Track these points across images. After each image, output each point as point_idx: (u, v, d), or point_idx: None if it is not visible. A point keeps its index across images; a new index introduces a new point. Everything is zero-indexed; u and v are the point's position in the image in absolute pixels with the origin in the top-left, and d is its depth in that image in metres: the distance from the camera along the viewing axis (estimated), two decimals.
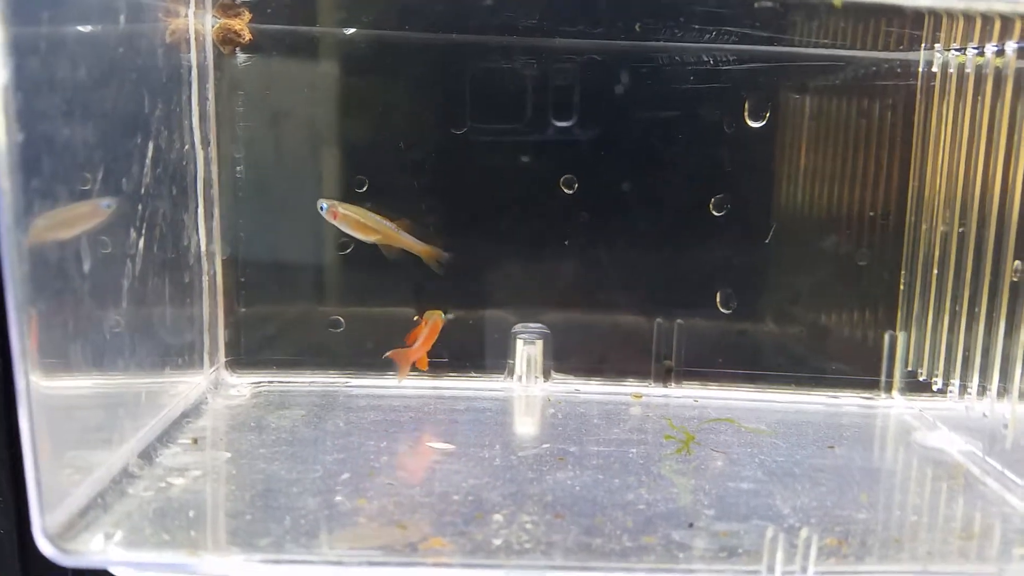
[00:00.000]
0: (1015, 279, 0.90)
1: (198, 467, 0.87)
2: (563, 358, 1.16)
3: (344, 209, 1.09)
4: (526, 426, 1.04)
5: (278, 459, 0.89)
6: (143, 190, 0.90)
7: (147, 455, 0.87)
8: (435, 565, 0.70)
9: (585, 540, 0.75)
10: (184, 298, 1.01)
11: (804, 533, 0.71)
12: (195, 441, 0.92)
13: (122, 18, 0.85)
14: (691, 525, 0.77)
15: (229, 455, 0.91)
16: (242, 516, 0.78)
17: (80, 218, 0.77)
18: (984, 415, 0.95)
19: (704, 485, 0.87)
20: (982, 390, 0.95)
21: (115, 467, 0.82)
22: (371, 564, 0.70)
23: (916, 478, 0.93)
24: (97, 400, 0.82)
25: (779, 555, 0.71)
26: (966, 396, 0.99)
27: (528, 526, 0.76)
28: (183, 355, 1.01)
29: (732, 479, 0.88)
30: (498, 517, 0.78)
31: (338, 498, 0.81)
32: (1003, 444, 0.92)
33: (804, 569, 0.70)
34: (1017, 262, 0.90)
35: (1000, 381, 0.93)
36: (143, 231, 0.89)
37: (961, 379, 1.00)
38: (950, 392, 1.02)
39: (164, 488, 0.82)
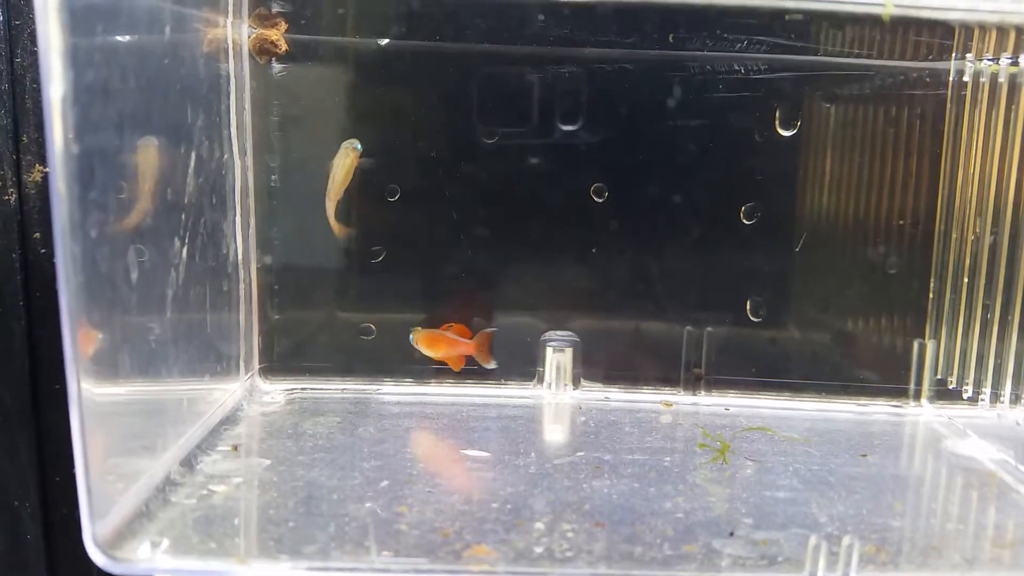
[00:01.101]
0: None
1: (238, 474, 0.88)
2: (592, 366, 1.17)
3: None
4: (558, 434, 1.04)
5: (317, 466, 0.90)
6: (186, 199, 0.91)
7: (188, 462, 0.88)
8: (480, 573, 0.71)
9: (627, 548, 0.75)
10: (224, 306, 1.02)
11: (846, 541, 0.71)
12: (235, 448, 0.93)
13: (167, 29, 0.87)
14: (732, 533, 0.78)
15: (268, 462, 0.92)
16: (286, 523, 0.79)
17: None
18: (1017, 423, 0.96)
19: (741, 494, 0.88)
20: (1016, 398, 0.96)
21: (158, 475, 0.83)
22: (417, 572, 0.71)
23: (948, 486, 0.94)
24: (141, 408, 0.84)
25: (821, 562, 0.71)
26: (998, 404, 0.99)
27: (569, 534, 0.77)
28: (221, 362, 1.02)
29: (768, 488, 0.89)
30: (539, 525, 0.78)
31: (379, 505, 0.81)
32: None
33: None
34: None
35: None
36: (186, 240, 0.90)
37: (993, 387, 1.00)
38: (981, 400, 1.02)
39: (206, 496, 0.83)
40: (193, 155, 0.93)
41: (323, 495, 0.84)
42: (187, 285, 0.90)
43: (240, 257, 1.06)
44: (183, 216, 0.90)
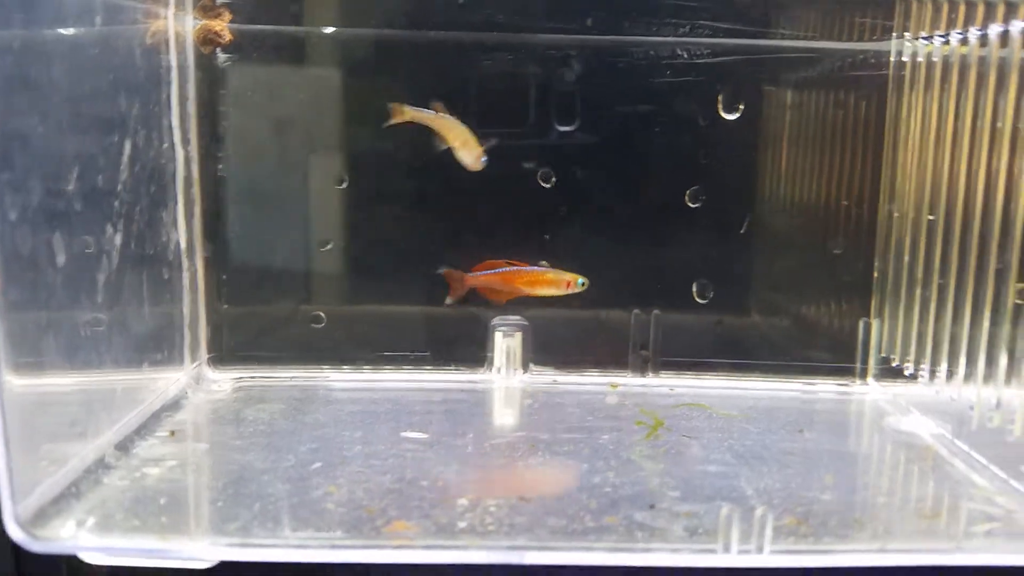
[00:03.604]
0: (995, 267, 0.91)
1: (174, 458, 0.89)
2: (542, 350, 1.17)
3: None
4: (501, 416, 1.05)
5: (253, 450, 0.91)
6: (120, 187, 0.92)
7: (124, 447, 0.89)
8: (396, 547, 0.71)
9: (548, 521, 0.76)
10: (163, 295, 1.02)
11: (759, 512, 0.72)
12: (172, 433, 0.94)
13: (98, 19, 0.87)
14: (652, 506, 0.78)
15: (206, 446, 0.92)
16: (214, 503, 0.79)
17: None
18: (952, 399, 0.96)
19: (672, 468, 0.88)
20: (950, 374, 0.96)
21: (90, 458, 0.84)
22: (334, 547, 0.71)
23: (884, 460, 0.94)
24: (72, 392, 0.84)
25: (735, 534, 0.72)
26: (935, 380, 1.00)
27: (492, 509, 0.78)
28: (162, 351, 1.02)
29: (701, 462, 0.89)
30: (463, 501, 0.79)
31: (308, 485, 0.82)
32: (970, 426, 0.92)
33: (760, 548, 0.71)
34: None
35: (967, 365, 0.94)
36: (120, 227, 0.91)
37: (931, 364, 1.01)
38: (921, 377, 1.03)
39: (139, 478, 0.84)
40: (128, 144, 0.93)
41: (254, 477, 0.85)
42: (121, 272, 0.90)
43: (184, 246, 1.06)
44: (116, 203, 0.90)
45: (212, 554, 0.72)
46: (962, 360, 0.94)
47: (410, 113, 1.10)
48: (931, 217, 1.02)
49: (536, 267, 1.11)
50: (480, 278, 1.12)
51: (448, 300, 1.13)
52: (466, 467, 0.87)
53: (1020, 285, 0.86)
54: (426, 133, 1.12)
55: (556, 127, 1.15)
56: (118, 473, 0.84)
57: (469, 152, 1.10)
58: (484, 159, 1.10)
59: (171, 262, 1.04)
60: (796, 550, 0.72)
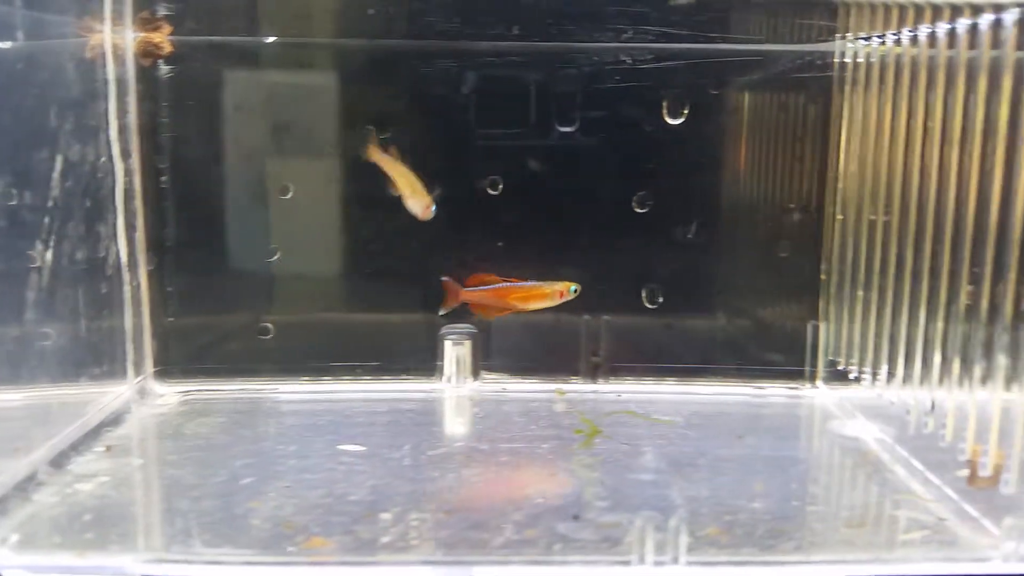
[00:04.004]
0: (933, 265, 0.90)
1: (107, 474, 0.88)
2: (492, 358, 1.17)
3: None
4: (444, 427, 1.04)
5: (187, 465, 0.91)
6: (51, 203, 0.91)
7: (58, 463, 0.89)
8: (311, 564, 0.71)
9: (469, 535, 0.75)
10: (103, 309, 1.02)
11: (673, 523, 0.71)
12: (108, 449, 0.94)
13: (20, 35, 0.87)
14: (576, 517, 0.78)
15: (140, 462, 0.92)
16: (139, 520, 0.79)
17: None
18: (892, 402, 0.95)
19: (605, 478, 0.88)
20: (890, 377, 0.95)
21: (21, 475, 0.83)
22: (248, 563, 0.71)
23: (822, 467, 0.94)
24: (1, 411, 0.84)
25: (653, 545, 0.71)
26: (877, 383, 0.99)
27: (415, 523, 0.77)
28: (102, 365, 1.02)
29: (634, 471, 0.89)
30: (386, 516, 0.78)
31: (234, 501, 0.82)
32: (910, 431, 0.92)
33: (675, 559, 0.71)
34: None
35: (904, 368, 0.93)
36: (51, 244, 0.91)
37: (873, 367, 1.00)
38: (863, 380, 1.02)
39: (70, 495, 0.84)
40: (59, 159, 0.93)
41: (183, 492, 0.84)
42: (53, 288, 0.90)
43: (125, 260, 1.06)
44: (47, 219, 0.90)
45: (130, 571, 0.72)
46: (900, 363, 0.93)
47: (374, 152, 1.10)
48: (872, 218, 1.01)
49: (528, 283, 1.11)
50: (475, 293, 1.11)
51: (441, 310, 1.13)
52: (398, 480, 0.87)
53: (970, 288, 0.85)
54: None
55: (503, 134, 1.14)
56: (49, 489, 0.84)
57: (417, 201, 1.10)
58: (433, 208, 1.10)
59: (110, 276, 1.03)
60: (712, 561, 0.71)
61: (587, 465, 0.91)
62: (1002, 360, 0.76)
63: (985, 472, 0.77)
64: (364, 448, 0.95)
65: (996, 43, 0.77)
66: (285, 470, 0.89)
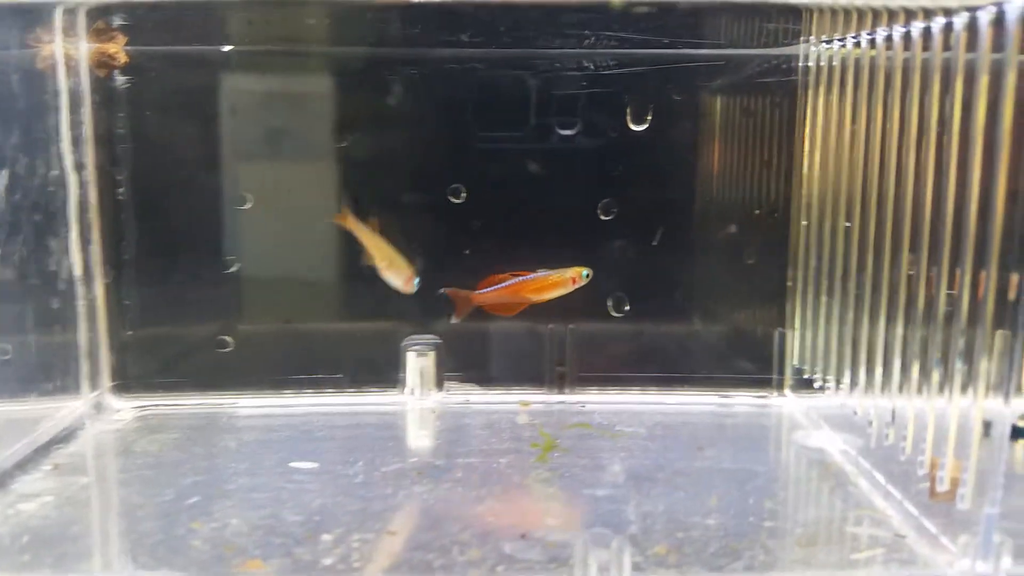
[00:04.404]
0: (908, 274, 0.88)
1: (52, 493, 0.87)
2: (457, 369, 1.15)
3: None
4: (402, 441, 1.03)
5: (135, 483, 0.89)
6: None
7: (1, 482, 0.87)
8: None
9: (412, 556, 0.74)
10: (55, 324, 1.00)
11: (615, 544, 0.69)
12: (56, 467, 0.92)
13: None
14: (523, 536, 0.76)
15: (87, 480, 0.90)
16: (77, 540, 0.77)
17: None
18: (855, 412, 0.93)
19: (560, 493, 0.86)
20: (852, 386, 0.94)
21: None
22: None
23: (783, 480, 0.92)
24: None
25: (596, 565, 0.69)
26: (840, 393, 0.97)
27: (356, 544, 0.75)
28: (54, 381, 1.00)
29: (590, 486, 0.87)
30: (328, 537, 0.77)
31: (178, 521, 0.80)
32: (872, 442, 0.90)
33: None
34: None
35: (866, 376, 0.91)
36: None
37: (836, 376, 0.98)
38: (827, 389, 1.00)
39: (11, 515, 0.82)
40: (5, 174, 0.91)
41: (127, 512, 0.83)
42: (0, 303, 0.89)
43: (79, 273, 1.04)
44: None
45: None
46: (862, 371, 0.92)
47: (350, 220, 1.08)
48: (834, 223, 0.99)
49: (538, 273, 1.08)
50: (488, 295, 1.09)
51: (454, 320, 1.10)
52: (347, 499, 0.85)
53: (952, 292, 0.83)
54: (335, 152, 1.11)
55: (466, 141, 1.13)
56: None
57: (397, 274, 1.09)
58: (416, 280, 1.08)
59: (63, 291, 1.02)
60: None
61: (543, 480, 0.89)
62: (958, 366, 0.74)
63: (942, 487, 0.75)
64: (316, 465, 0.93)
65: (947, 46, 0.75)
66: (233, 488, 0.87)
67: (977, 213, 0.72)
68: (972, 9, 0.70)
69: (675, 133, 1.12)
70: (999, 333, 0.69)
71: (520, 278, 1.08)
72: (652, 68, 1.10)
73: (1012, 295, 0.67)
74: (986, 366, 0.70)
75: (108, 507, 0.84)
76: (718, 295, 1.15)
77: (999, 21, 0.67)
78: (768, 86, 1.10)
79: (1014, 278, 0.67)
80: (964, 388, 0.74)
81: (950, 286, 0.75)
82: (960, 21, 0.72)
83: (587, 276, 1.08)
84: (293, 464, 0.93)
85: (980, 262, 0.70)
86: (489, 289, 1.08)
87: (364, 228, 1.09)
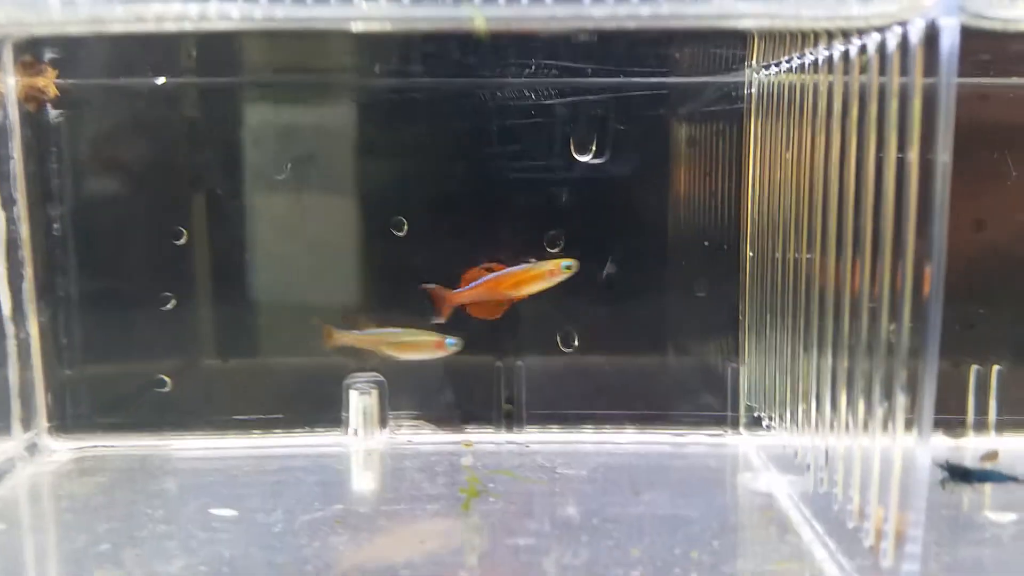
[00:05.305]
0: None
1: None
2: (403, 407, 1.12)
3: None
4: (329, 486, 0.99)
5: (50, 529, 0.87)
6: None
7: None
8: None
9: None
10: None
11: None
12: None
13: None
14: None
15: (3, 527, 0.88)
16: None
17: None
18: (796, 454, 0.89)
19: (481, 543, 0.82)
20: (792, 425, 0.90)
21: None
22: None
23: (719, 529, 0.87)
24: None
25: None
26: (783, 432, 0.93)
27: None
28: None
29: (514, 534, 0.84)
30: None
31: (83, 570, 0.77)
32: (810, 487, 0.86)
33: None
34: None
35: (803, 416, 0.87)
36: None
37: (779, 414, 0.94)
38: (771, 428, 0.96)
39: None
40: None
41: (34, 560, 0.80)
42: None
43: (8, 312, 1.02)
44: None
45: None
46: (800, 409, 0.87)
47: (341, 337, 1.06)
48: (776, 254, 0.95)
49: (517, 267, 1.05)
50: (464, 294, 1.05)
51: (436, 320, 1.07)
52: (259, 550, 0.82)
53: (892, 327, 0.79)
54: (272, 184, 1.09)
55: (407, 174, 1.10)
56: None
57: (427, 351, 1.06)
58: (451, 341, 1.06)
59: None
60: None
61: (469, 528, 0.86)
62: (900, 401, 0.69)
63: (867, 540, 0.71)
64: (236, 513, 0.90)
65: (883, 69, 0.71)
66: (146, 536, 0.85)
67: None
68: (881, 29, 0.66)
69: (621, 163, 1.09)
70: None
71: (495, 273, 1.04)
72: (595, 97, 1.07)
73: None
74: (902, 401, 0.65)
75: (16, 554, 0.81)
76: (669, 329, 1.11)
77: (904, 44, 0.64)
78: (714, 115, 1.07)
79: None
80: (908, 426, 0.70)
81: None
82: (872, 43, 0.68)
83: (568, 268, 1.04)
84: (213, 511, 0.90)
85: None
86: (465, 288, 1.05)
87: (361, 336, 1.06)
